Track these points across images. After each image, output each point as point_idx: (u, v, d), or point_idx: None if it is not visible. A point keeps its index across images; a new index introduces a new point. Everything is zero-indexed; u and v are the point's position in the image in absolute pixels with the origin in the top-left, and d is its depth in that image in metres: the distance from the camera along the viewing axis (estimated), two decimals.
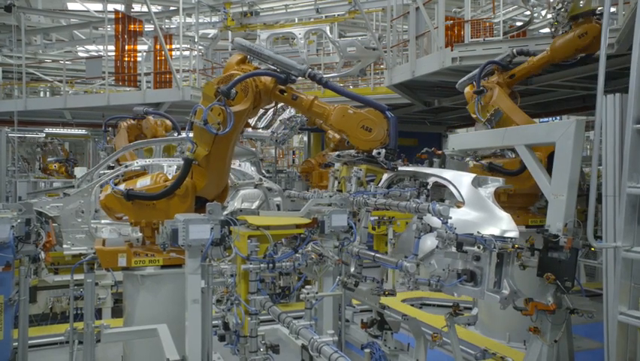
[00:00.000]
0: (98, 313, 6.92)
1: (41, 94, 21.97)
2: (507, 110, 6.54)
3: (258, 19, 15.74)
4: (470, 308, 7.37)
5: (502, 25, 11.47)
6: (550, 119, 13.83)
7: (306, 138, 18.36)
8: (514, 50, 7.02)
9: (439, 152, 6.66)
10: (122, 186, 4.97)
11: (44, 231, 4.78)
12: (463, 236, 3.84)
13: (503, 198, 6.97)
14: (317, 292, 4.50)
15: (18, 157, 18.28)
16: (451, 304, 6.57)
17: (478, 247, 3.80)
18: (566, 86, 10.10)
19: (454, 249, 3.94)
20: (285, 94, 4.74)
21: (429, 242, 4.23)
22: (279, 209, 8.73)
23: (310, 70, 4.68)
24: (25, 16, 17.24)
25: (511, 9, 15.53)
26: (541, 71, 7.00)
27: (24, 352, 4.34)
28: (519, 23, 15.25)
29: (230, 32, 16.16)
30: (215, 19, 17.63)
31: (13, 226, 3.99)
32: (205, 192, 4.99)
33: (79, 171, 15.90)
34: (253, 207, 8.99)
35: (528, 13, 14.69)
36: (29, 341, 4.74)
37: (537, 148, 5.65)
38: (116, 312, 7.24)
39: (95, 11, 19.15)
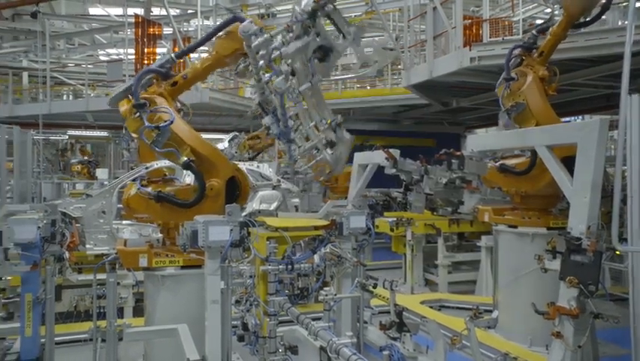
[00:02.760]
0: (120, 312, 7.01)
1: (64, 97, 22.37)
2: (532, 103, 6.33)
3: (275, 20, 15.80)
4: (490, 311, 7.30)
5: (522, 23, 11.33)
6: (572, 118, 13.62)
7: None
8: (534, 31, 6.87)
9: (458, 153, 6.60)
10: (149, 189, 5.02)
11: (69, 231, 4.86)
12: None
13: (517, 200, 6.90)
14: (335, 294, 4.51)
15: (43, 159, 18.65)
16: (471, 306, 6.53)
17: None
18: (589, 85, 9.94)
19: None
20: (177, 84, 5.19)
21: None
22: (297, 210, 8.76)
23: (173, 54, 5.22)
24: (50, 21, 17.58)
25: (530, 7, 15.34)
26: (566, 35, 6.69)
27: (51, 348, 4.44)
28: (539, 21, 15.06)
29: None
30: None
31: (39, 227, 4.09)
32: (225, 172, 5.05)
33: (100, 173, 16.15)
34: (271, 208, 9.02)
35: (548, 10, 14.50)
36: (55, 338, 4.84)
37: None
38: (137, 311, 7.33)
39: (116, 15, 19.46)
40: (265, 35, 4.72)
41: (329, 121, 4.97)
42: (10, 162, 14.77)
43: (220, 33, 5.27)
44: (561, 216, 6.63)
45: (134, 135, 4.86)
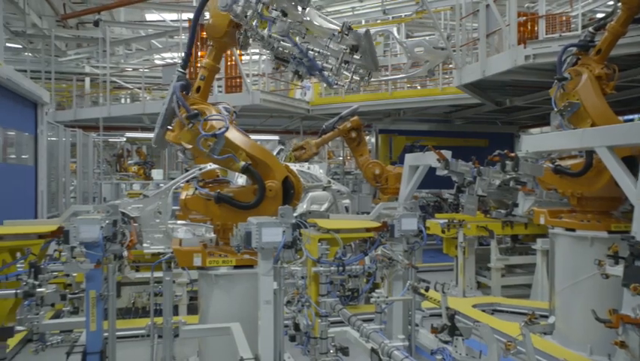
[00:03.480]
0: (175, 310, 7.23)
1: (122, 100, 23.33)
2: (587, 103, 6.07)
3: None
4: (546, 316, 7.07)
5: (581, 18, 10.90)
6: (635, 117, 12.97)
7: (373, 140, 18.31)
8: (591, 29, 6.59)
9: (512, 154, 6.42)
10: (205, 190, 5.14)
11: (128, 231, 5.06)
12: None
13: (574, 202, 6.65)
14: (387, 296, 4.50)
15: (102, 160, 19.55)
16: (526, 311, 6.33)
17: None
18: None
19: None
20: (201, 88, 5.24)
21: None
22: (347, 211, 8.77)
23: (177, 71, 5.20)
24: (110, 29, 18.41)
25: (591, 0, 14.71)
26: (626, 31, 6.35)
27: (113, 342, 4.65)
28: (600, 15, 14.40)
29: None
30: None
31: (102, 227, 4.28)
32: (280, 173, 5.15)
33: (156, 174, 16.78)
34: (322, 209, 9.08)
35: (611, 3, 13.85)
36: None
37: None
38: (191, 309, 7.55)
39: (171, 21, 20.11)
40: None
41: (339, 30, 4.97)
42: (73, 163, 15.59)
43: (206, 19, 5.26)
44: (624, 219, 6.34)
45: (188, 146, 4.93)
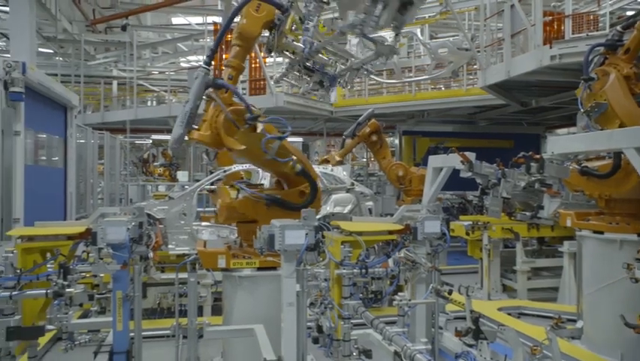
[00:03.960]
0: (200, 311, 7.31)
1: (148, 103, 23.72)
2: (615, 103, 5.91)
3: None
4: (574, 320, 6.94)
5: (609, 16, 10.67)
6: None
7: (397, 141, 18.23)
8: (619, 27, 6.44)
9: (537, 156, 6.32)
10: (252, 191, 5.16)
11: (153, 232, 5.13)
12: None
13: (601, 204, 6.51)
14: (410, 299, 4.48)
15: (129, 162, 19.91)
16: (552, 315, 6.23)
17: None
18: None
19: None
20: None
21: None
22: (370, 213, 8.75)
23: (203, 68, 5.02)
24: (137, 33, 18.77)
25: None
26: None
27: (139, 342, 4.72)
28: (630, 13, 14.06)
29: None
30: None
31: (128, 229, 4.35)
32: (315, 175, 5.22)
33: (181, 175, 17.02)
34: (345, 211, 9.09)
35: None
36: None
37: None
38: (215, 310, 7.63)
39: (196, 24, 20.40)
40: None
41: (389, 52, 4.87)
42: (100, 165, 15.94)
43: (235, 22, 5.16)
44: None
45: (241, 147, 4.79)
